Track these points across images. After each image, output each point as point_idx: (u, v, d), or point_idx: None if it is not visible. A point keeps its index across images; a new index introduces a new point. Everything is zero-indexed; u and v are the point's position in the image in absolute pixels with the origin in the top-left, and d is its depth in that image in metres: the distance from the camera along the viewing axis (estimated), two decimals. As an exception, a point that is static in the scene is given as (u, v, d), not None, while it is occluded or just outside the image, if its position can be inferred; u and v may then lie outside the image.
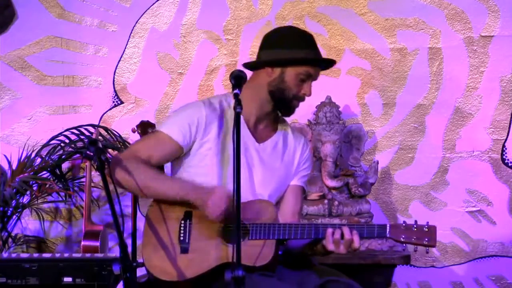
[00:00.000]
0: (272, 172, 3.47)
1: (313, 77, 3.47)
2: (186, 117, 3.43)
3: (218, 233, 3.31)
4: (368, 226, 3.28)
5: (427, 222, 3.26)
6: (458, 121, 5.07)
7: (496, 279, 5.07)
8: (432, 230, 3.22)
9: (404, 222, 3.26)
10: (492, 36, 5.03)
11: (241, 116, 3.36)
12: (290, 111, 3.48)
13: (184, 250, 3.31)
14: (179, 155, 3.45)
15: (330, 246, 3.26)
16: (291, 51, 3.43)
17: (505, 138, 5.05)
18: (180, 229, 3.34)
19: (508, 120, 5.05)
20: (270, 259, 3.26)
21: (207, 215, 3.26)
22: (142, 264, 3.35)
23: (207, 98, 3.55)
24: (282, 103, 3.44)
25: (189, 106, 3.51)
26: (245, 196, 3.23)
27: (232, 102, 3.45)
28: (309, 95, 3.47)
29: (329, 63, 3.55)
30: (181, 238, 3.32)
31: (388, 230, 3.24)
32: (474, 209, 5.08)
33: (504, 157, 5.05)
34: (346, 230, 3.24)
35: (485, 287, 5.07)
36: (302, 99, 3.47)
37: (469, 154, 5.07)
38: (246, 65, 3.55)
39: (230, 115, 3.45)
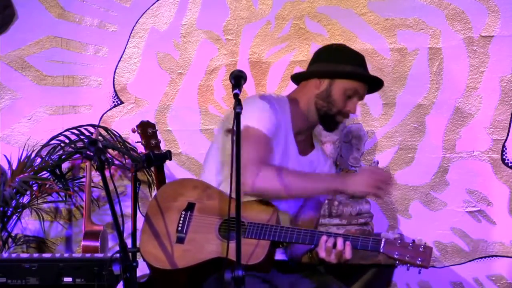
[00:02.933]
0: None
1: (359, 95, 3.51)
2: (270, 112, 3.42)
3: (217, 227, 3.32)
4: (363, 239, 3.27)
5: (425, 243, 3.24)
6: (458, 121, 5.07)
7: (496, 279, 5.07)
8: (427, 251, 3.19)
9: (400, 239, 3.24)
10: (492, 36, 5.03)
11: (291, 126, 3.49)
12: (333, 126, 3.54)
13: (180, 240, 3.32)
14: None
15: (322, 254, 3.27)
16: (340, 65, 3.49)
17: (505, 138, 5.05)
18: (179, 220, 3.36)
19: (508, 120, 5.05)
20: (261, 259, 3.27)
21: (357, 192, 3.36)
22: (138, 250, 3.36)
23: (265, 95, 3.54)
24: (327, 117, 3.50)
25: (266, 104, 3.46)
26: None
27: (287, 107, 3.50)
28: (354, 112, 3.51)
29: (377, 83, 3.58)
30: (179, 228, 3.35)
31: (382, 245, 3.23)
32: (474, 209, 5.07)
33: (504, 157, 5.05)
34: (339, 241, 3.25)
35: (485, 287, 5.07)
36: (347, 116, 3.52)
37: (469, 154, 5.07)
38: (296, 77, 3.61)
39: (286, 122, 3.50)
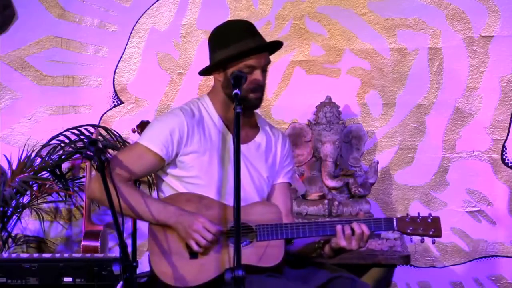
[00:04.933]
0: (258, 173, 3.46)
1: (258, 66, 3.37)
2: (166, 127, 3.38)
3: (226, 236, 3.30)
4: (374, 220, 3.33)
5: (430, 214, 3.33)
6: (458, 121, 5.07)
7: (496, 279, 5.07)
8: (436, 220, 3.32)
9: (407, 214, 3.32)
10: (492, 36, 5.03)
11: (221, 121, 3.41)
12: (253, 105, 3.40)
13: (194, 256, 3.30)
14: (162, 166, 3.40)
15: (342, 243, 3.27)
16: (224, 49, 3.37)
17: (505, 138, 5.05)
18: None
19: (508, 120, 5.05)
20: (281, 259, 3.28)
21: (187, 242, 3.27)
22: (149, 273, 3.34)
23: (185, 104, 3.49)
24: (242, 101, 3.29)
25: (168, 115, 3.46)
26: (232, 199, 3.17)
27: (210, 105, 3.46)
28: (261, 81, 3.38)
29: (266, 46, 3.41)
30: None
31: (395, 223, 3.30)
32: (474, 209, 5.08)
33: (504, 157, 5.05)
34: (355, 225, 3.28)
35: (485, 287, 5.07)
36: (259, 89, 3.38)
37: (469, 154, 5.07)
38: (202, 74, 3.52)
39: (208, 118, 3.43)
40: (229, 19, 5.11)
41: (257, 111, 3.56)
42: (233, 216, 3.14)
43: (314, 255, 3.43)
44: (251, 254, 3.27)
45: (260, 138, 3.52)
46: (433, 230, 3.30)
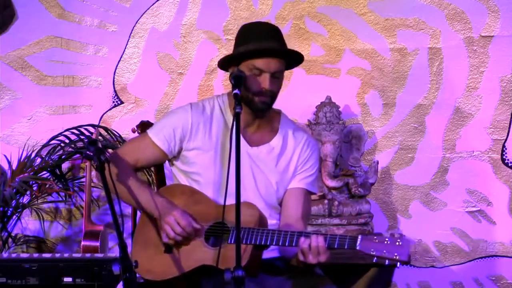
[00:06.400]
0: (265, 177, 3.42)
1: (267, 71, 3.33)
2: (171, 123, 3.44)
3: (203, 233, 3.29)
4: (340, 237, 3.15)
5: (404, 236, 3.13)
6: (458, 121, 5.07)
7: (496, 279, 5.07)
8: (405, 245, 3.08)
9: (379, 234, 3.15)
10: (492, 36, 5.03)
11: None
12: (257, 109, 3.36)
13: (168, 250, 3.31)
14: (164, 160, 3.48)
15: (300, 256, 3.16)
16: (241, 46, 3.37)
17: (505, 138, 5.05)
18: None
19: (508, 120, 5.05)
20: (244, 264, 3.11)
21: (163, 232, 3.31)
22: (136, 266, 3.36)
23: (204, 99, 3.53)
24: (248, 104, 3.33)
25: (178, 109, 3.50)
26: (233, 200, 3.14)
27: (226, 103, 3.45)
28: (269, 88, 3.33)
29: (277, 52, 3.37)
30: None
31: (358, 242, 3.11)
32: (474, 209, 5.08)
33: (504, 157, 5.05)
34: (313, 238, 3.14)
35: (485, 287, 5.07)
36: (265, 95, 3.33)
37: (469, 154, 5.07)
38: (220, 67, 3.53)
39: (220, 116, 3.43)
40: (229, 19, 5.12)
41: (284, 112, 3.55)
42: (219, 215, 3.19)
43: (294, 263, 3.31)
44: (215, 254, 3.21)
45: (276, 141, 3.46)
46: (397, 254, 3.06)
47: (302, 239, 3.16)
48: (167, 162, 3.57)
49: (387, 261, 3.09)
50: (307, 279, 3.32)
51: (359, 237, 3.13)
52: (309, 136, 3.55)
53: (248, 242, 3.20)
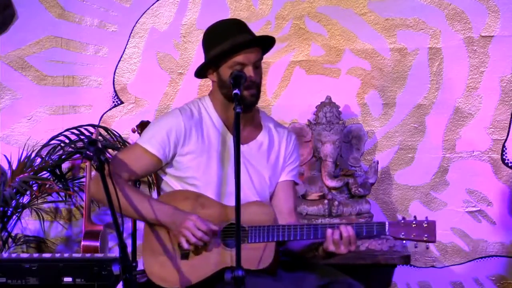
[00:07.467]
0: (258, 173, 3.43)
1: (247, 62, 3.34)
2: (163, 128, 3.39)
3: (222, 236, 3.29)
4: (367, 225, 3.26)
5: (426, 217, 3.24)
6: (458, 121, 5.07)
7: (496, 279, 5.07)
8: (431, 225, 3.21)
9: (403, 218, 3.26)
10: (492, 36, 5.03)
11: (221, 121, 3.40)
12: (247, 102, 3.35)
13: (185, 256, 3.30)
14: (160, 167, 3.41)
15: (331, 247, 3.23)
16: (213, 49, 3.37)
17: (505, 138, 5.05)
18: None
19: (508, 120, 5.05)
20: (270, 262, 3.24)
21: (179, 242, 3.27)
22: (143, 271, 3.34)
23: (186, 104, 3.50)
24: (237, 100, 3.28)
25: (166, 116, 3.48)
26: (232, 199, 3.15)
27: (210, 106, 3.45)
28: (255, 78, 3.34)
29: (252, 42, 3.37)
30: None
31: (387, 228, 3.22)
32: (474, 209, 5.08)
33: (504, 157, 5.05)
34: (343, 228, 3.22)
35: (485, 287, 5.07)
36: (252, 86, 3.34)
37: (469, 154, 5.07)
38: (197, 76, 3.50)
39: (208, 119, 3.43)
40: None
41: (261, 109, 3.56)
42: (229, 215, 3.18)
43: (310, 255, 3.40)
44: (242, 256, 3.20)
45: (262, 137, 3.49)
46: (427, 235, 3.20)
47: (329, 230, 3.23)
48: None
49: (417, 243, 3.22)
50: (324, 273, 3.37)
51: (387, 222, 3.23)
52: (288, 130, 3.61)
53: (271, 240, 3.25)
